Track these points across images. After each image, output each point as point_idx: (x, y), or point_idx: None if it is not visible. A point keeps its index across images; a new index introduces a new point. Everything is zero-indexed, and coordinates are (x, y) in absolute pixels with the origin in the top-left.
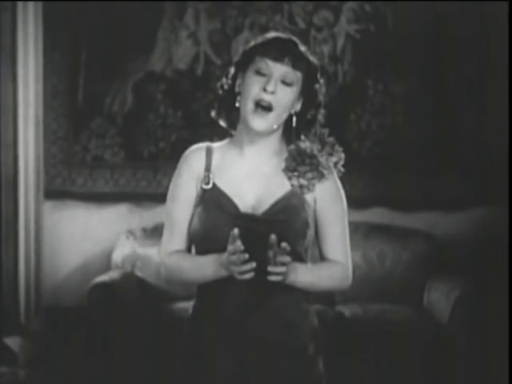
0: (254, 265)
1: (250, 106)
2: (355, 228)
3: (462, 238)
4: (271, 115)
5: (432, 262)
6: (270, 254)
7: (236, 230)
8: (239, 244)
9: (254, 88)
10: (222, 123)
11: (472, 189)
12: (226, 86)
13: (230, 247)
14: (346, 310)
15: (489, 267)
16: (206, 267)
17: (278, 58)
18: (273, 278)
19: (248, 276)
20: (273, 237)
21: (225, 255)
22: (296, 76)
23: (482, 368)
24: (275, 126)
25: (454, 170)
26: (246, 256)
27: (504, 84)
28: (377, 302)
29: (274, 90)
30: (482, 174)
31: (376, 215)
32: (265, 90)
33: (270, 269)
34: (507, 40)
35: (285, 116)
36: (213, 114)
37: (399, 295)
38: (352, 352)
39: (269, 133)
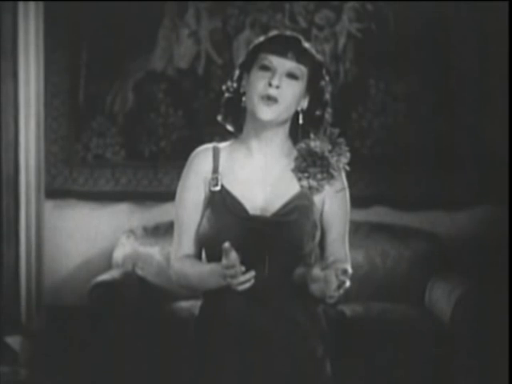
0: (252, 274)
1: (256, 99)
2: (357, 227)
3: (463, 237)
4: (278, 106)
5: (433, 261)
6: (321, 273)
7: (227, 244)
8: (233, 257)
9: (259, 83)
10: (229, 127)
11: (473, 188)
12: (231, 89)
13: (224, 261)
14: (348, 309)
15: (490, 266)
16: (207, 277)
17: (281, 53)
18: (332, 301)
19: (247, 286)
20: (331, 258)
21: (220, 267)
22: (301, 70)
23: (482, 367)
24: (282, 118)
25: (455, 170)
26: (243, 269)
27: (504, 84)
28: (378, 301)
29: (279, 84)
30: (483, 174)
31: (377, 214)
32: (270, 84)
33: (334, 294)
34: (507, 40)
35: (291, 111)
36: (219, 118)
37: (401, 294)
38: (353, 351)
39: (276, 125)
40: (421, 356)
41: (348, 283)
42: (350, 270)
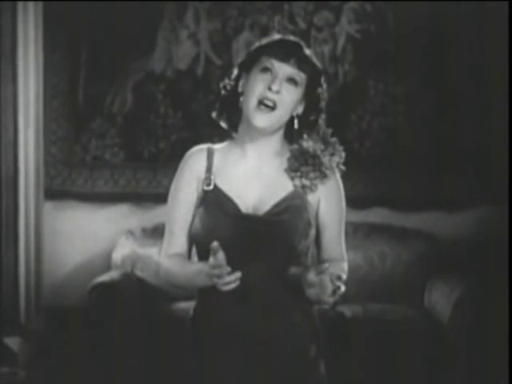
0: (238, 275)
1: (254, 103)
2: (356, 228)
3: (462, 237)
4: (274, 114)
5: (432, 262)
6: (317, 278)
7: (216, 243)
8: (221, 257)
9: (258, 86)
10: (223, 125)
11: (472, 189)
12: (228, 87)
13: (211, 260)
14: (347, 310)
15: (489, 267)
16: (194, 276)
17: (283, 59)
18: (327, 306)
19: (233, 286)
20: (327, 258)
21: (207, 267)
22: (300, 77)
23: (482, 368)
24: (277, 126)
25: (455, 170)
26: (229, 269)
27: (504, 84)
28: (377, 302)
29: (278, 89)
30: (482, 174)
31: (376, 215)
32: (270, 88)
33: (329, 300)
34: (507, 40)
35: (286, 118)
36: (214, 115)
37: (400, 295)
38: (352, 352)
39: (271, 132)
40: (420, 357)
41: (343, 289)
42: (344, 276)
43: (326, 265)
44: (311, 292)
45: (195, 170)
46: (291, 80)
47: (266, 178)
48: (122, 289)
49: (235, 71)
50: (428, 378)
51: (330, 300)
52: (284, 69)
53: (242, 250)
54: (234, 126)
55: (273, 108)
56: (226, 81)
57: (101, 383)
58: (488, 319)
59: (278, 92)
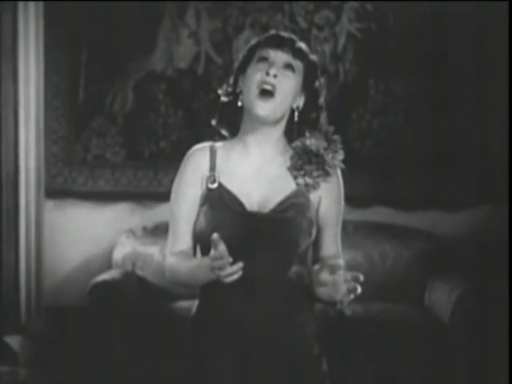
0: (240, 265)
1: (254, 91)
2: (356, 227)
3: (462, 237)
4: (275, 101)
5: (433, 261)
6: (330, 277)
7: (216, 235)
8: (222, 248)
9: (256, 75)
10: (224, 131)
11: (472, 188)
12: (226, 92)
13: (212, 253)
14: (347, 309)
15: (489, 266)
16: (197, 271)
17: (279, 47)
18: (341, 306)
19: (236, 277)
20: (339, 261)
21: (209, 260)
22: (297, 65)
23: (482, 367)
24: (278, 114)
25: (455, 170)
26: (230, 260)
27: (504, 84)
28: (378, 301)
29: (276, 73)
30: (482, 174)
31: (377, 214)
32: (267, 74)
33: (344, 299)
34: (507, 40)
35: (287, 106)
36: (213, 122)
37: (400, 294)
38: (353, 351)
39: (272, 121)
40: (420, 356)
41: (359, 290)
42: (361, 277)
43: (341, 264)
44: (323, 291)
45: (198, 168)
46: (288, 66)
47: (269, 175)
48: (123, 288)
49: (232, 77)
50: (428, 377)
51: (345, 299)
52: (280, 56)
53: (247, 247)
54: (235, 131)
55: (272, 93)
56: (224, 87)
57: (101, 382)
58: (488, 318)
59: (275, 76)
